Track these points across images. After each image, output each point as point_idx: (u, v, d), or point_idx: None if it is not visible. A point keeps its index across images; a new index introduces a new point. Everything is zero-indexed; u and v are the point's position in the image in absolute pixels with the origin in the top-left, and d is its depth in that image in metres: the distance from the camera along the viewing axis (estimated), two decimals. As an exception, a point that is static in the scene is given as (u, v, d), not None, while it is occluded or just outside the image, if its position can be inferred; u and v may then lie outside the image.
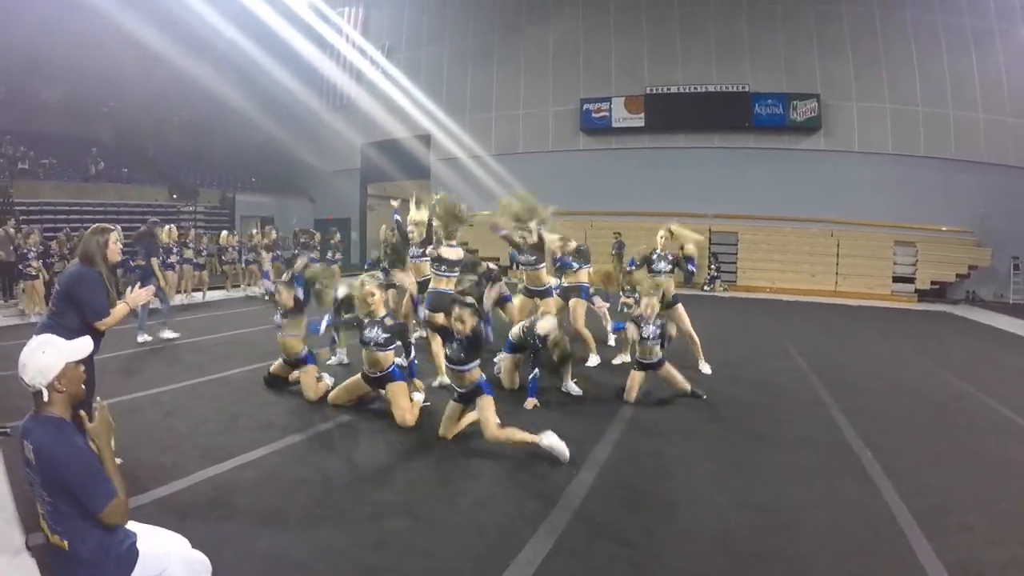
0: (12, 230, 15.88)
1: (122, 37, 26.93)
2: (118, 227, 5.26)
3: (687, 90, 25.64)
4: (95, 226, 5.20)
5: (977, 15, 23.28)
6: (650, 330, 7.74)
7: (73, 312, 4.95)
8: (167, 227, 15.70)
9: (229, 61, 31.00)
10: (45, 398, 2.95)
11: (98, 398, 3.28)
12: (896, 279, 23.29)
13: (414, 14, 31.67)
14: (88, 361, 4.42)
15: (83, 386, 3.15)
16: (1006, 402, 8.29)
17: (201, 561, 3.29)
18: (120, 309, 5.12)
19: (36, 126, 31.99)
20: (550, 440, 5.77)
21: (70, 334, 3.43)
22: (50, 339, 3.07)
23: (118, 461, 3.18)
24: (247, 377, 8.67)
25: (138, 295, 5.27)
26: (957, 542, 4.43)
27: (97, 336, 5.00)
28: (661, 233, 9.79)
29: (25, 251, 14.62)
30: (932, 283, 22.85)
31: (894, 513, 4.84)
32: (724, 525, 4.63)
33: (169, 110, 36.86)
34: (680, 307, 9.66)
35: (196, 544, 3.37)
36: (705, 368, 9.55)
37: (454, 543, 4.28)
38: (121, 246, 5.41)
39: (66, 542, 2.85)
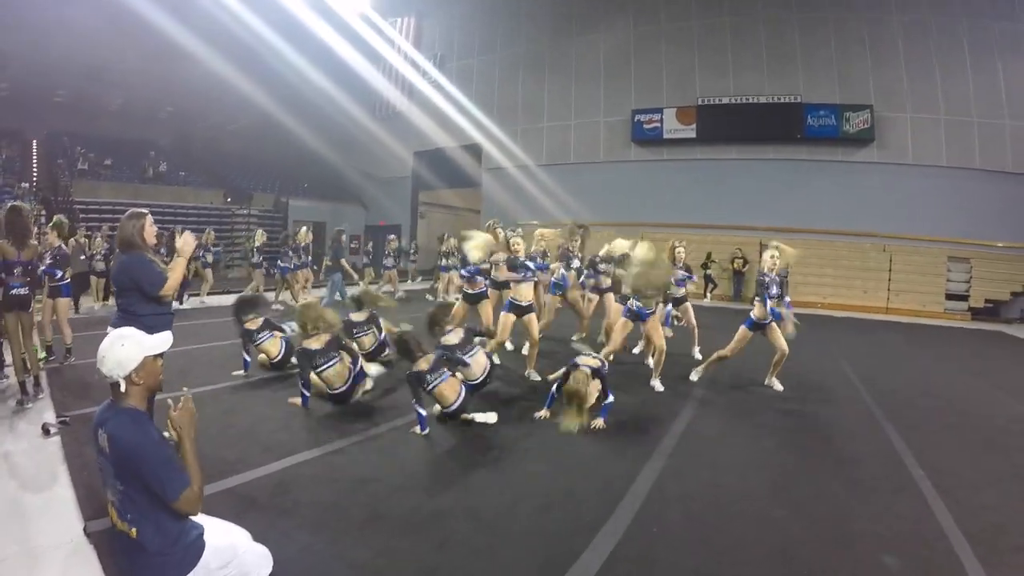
0: (83, 239, 16.19)
1: (179, 47, 27.48)
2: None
3: (739, 101, 25.41)
4: (129, 211, 5.33)
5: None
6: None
7: (136, 297, 5.13)
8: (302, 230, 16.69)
9: (283, 70, 31.48)
10: (122, 389, 3.04)
11: (185, 388, 3.44)
12: (949, 296, 22.75)
13: (465, 23, 31.86)
14: None
15: (161, 378, 3.28)
16: (1063, 426, 8.14)
17: (263, 555, 3.39)
18: (176, 266, 5.31)
19: (96, 129, 33.01)
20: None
21: (145, 327, 3.54)
22: (130, 332, 3.18)
23: None
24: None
25: (187, 240, 5.42)
26: (1013, 563, 4.38)
27: (167, 314, 5.28)
28: (772, 253, 9.40)
29: (93, 253, 15.02)
30: (986, 301, 22.27)
31: (946, 532, 4.77)
32: (782, 537, 4.64)
33: (224, 117, 37.60)
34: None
35: (257, 538, 3.47)
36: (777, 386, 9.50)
37: (517, 545, 4.35)
38: (156, 229, 5.53)
39: (135, 529, 2.92)
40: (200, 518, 3.22)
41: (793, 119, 24.58)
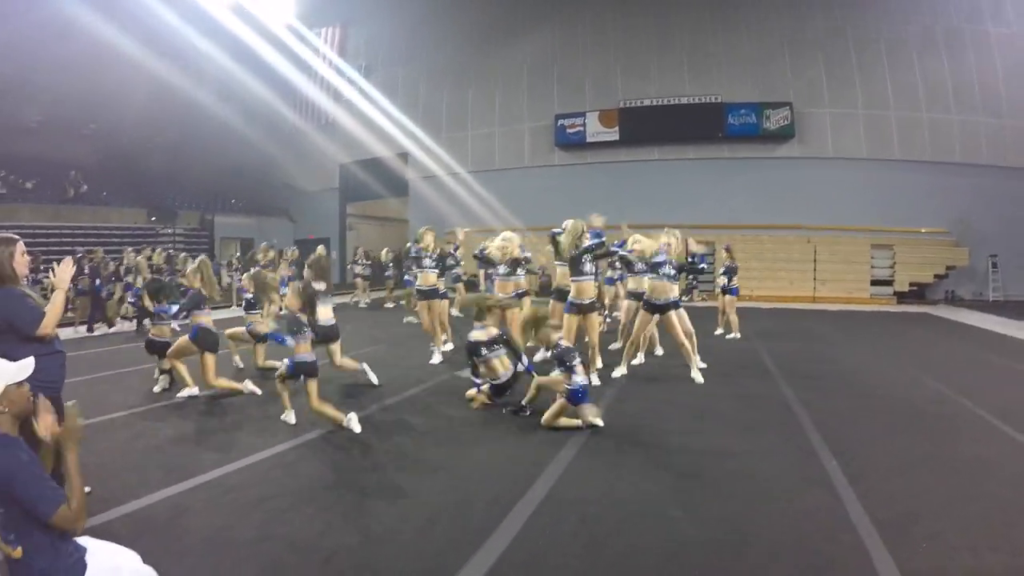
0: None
1: (101, 60, 26.75)
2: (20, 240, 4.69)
3: (660, 103, 25.80)
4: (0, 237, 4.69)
5: (946, 17, 23.58)
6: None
7: (13, 337, 4.49)
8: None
9: (208, 82, 30.88)
10: None
11: (72, 401, 3.32)
12: (874, 282, 23.50)
13: (391, 32, 31.74)
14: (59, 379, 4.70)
15: (31, 401, 3.18)
16: (983, 402, 8.10)
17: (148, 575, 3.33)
18: (56, 299, 4.65)
19: (14, 148, 31.74)
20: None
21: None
22: None
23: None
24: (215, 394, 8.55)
25: (63, 271, 4.71)
26: (922, 551, 4.28)
27: (53, 353, 4.67)
28: (665, 240, 9.67)
29: None
30: (911, 285, 23.06)
31: (856, 523, 4.66)
32: (674, 541, 4.51)
33: (149, 131, 36.65)
34: (672, 313, 9.51)
35: (148, 561, 3.36)
36: (697, 377, 9.34)
37: (402, 557, 4.29)
38: (29, 258, 4.93)
39: (19, 549, 2.88)
40: (86, 541, 3.20)
41: (714, 119, 25.10)
